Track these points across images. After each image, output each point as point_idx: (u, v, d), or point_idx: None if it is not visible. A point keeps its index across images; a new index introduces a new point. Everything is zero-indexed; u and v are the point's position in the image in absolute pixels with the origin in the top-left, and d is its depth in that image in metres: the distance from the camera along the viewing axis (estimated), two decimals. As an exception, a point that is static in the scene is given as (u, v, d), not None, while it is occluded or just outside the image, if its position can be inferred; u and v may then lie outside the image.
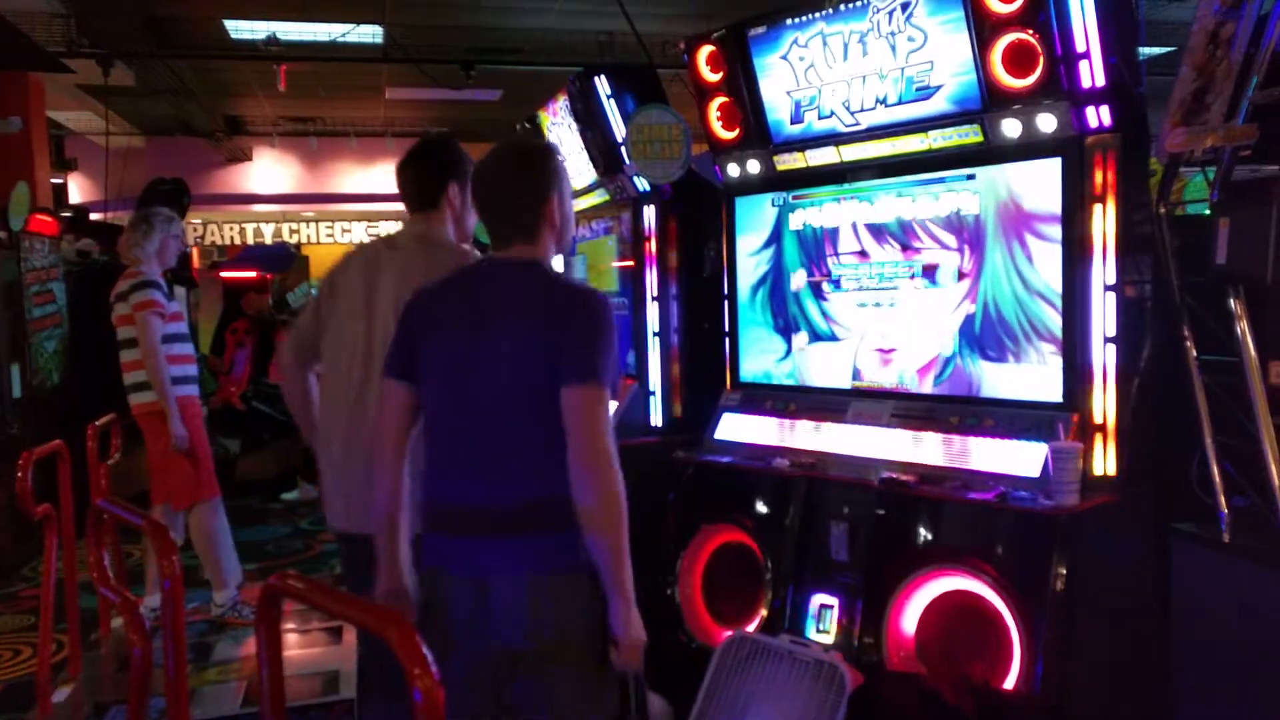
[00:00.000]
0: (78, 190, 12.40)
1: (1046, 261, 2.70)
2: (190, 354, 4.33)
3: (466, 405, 1.88)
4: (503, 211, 1.94)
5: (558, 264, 2.17)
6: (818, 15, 3.06)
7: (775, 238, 3.45)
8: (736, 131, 3.44)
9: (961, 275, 2.91)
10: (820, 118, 3.19)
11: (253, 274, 9.39)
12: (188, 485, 4.20)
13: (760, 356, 3.54)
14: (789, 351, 3.43)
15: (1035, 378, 2.73)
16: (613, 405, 1.87)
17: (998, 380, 2.83)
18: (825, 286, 3.30)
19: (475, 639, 1.86)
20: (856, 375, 3.21)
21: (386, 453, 1.96)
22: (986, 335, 2.85)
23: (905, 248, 3.06)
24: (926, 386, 3.01)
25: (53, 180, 10.12)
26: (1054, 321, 2.68)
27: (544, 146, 2.02)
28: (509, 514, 1.84)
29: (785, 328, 3.44)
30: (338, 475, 2.35)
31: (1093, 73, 2.53)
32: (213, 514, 4.28)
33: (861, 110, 3.06)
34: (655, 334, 3.84)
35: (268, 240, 14.70)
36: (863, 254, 3.18)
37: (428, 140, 2.46)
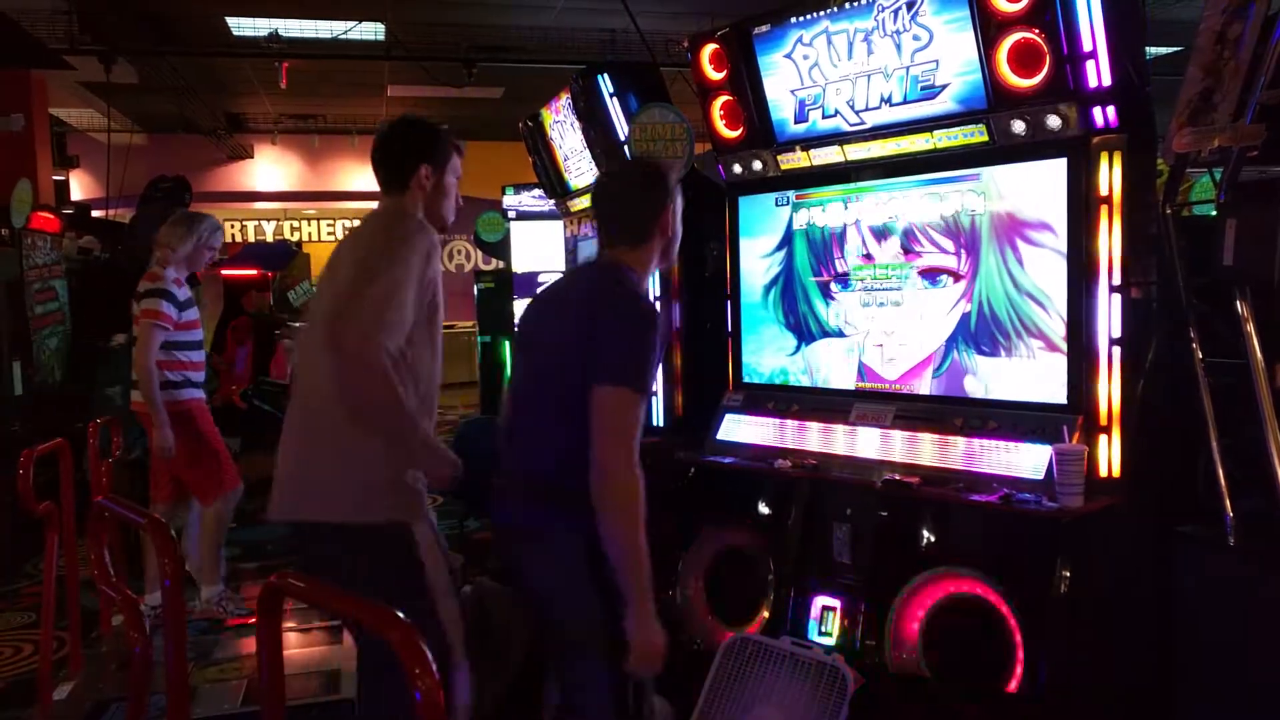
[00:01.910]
0: (79, 187, 12.40)
1: (1051, 262, 2.69)
2: (201, 360, 4.31)
3: (519, 383, 2.16)
4: (615, 218, 2.16)
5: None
6: (822, 13, 3.05)
7: (786, 238, 3.44)
8: (740, 130, 3.43)
9: (965, 275, 2.90)
10: (824, 117, 3.17)
11: (254, 272, 9.39)
12: (213, 482, 4.22)
13: (766, 356, 3.53)
14: (796, 351, 3.42)
15: (1040, 379, 2.72)
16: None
17: (1001, 382, 2.82)
18: (833, 286, 3.29)
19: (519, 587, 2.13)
20: (862, 374, 3.20)
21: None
22: (991, 336, 2.84)
23: (909, 247, 3.05)
24: (930, 387, 3.00)
25: (55, 177, 10.12)
26: (1059, 323, 2.67)
27: (663, 167, 2.28)
28: (531, 485, 2.04)
29: (795, 327, 3.42)
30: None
31: (1099, 72, 2.51)
32: (228, 507, 4.32)
33: (866, 109, 3.05)
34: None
35: (269, 238, 14.69)
36: (868, 255, 3.17)
37: (400, 120, 2.35)
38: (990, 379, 2.85)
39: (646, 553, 1.86)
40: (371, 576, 2.03)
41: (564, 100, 4.30)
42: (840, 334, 3.27)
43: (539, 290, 2.30)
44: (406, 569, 2.07)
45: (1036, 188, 2.72)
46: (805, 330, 3.38)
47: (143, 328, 4.03)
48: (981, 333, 2.86)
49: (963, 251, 2.89)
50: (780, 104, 3.30)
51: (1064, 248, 2.65)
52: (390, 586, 1.99)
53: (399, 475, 2.11)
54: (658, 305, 2.07)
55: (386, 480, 2.09)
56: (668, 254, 2.18)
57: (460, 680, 2.09)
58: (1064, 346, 2.66)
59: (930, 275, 2.99)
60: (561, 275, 2.37)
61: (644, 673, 1.91)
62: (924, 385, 3.02)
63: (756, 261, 3.53)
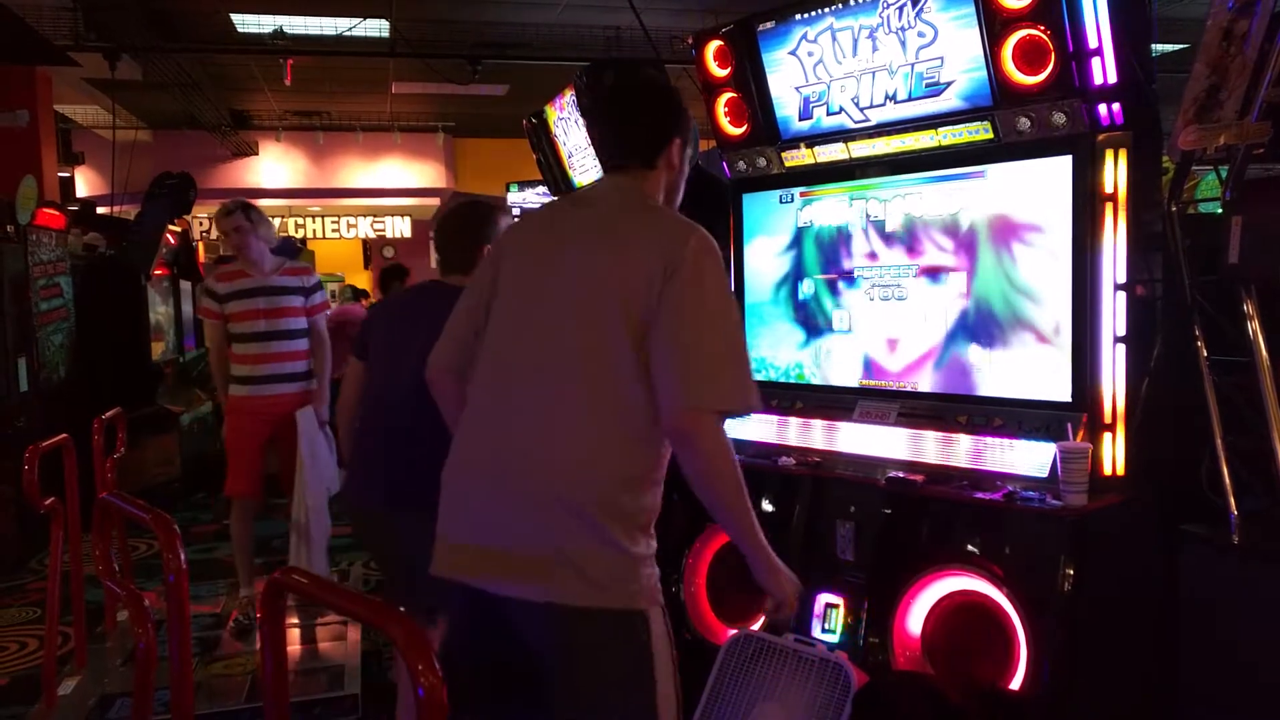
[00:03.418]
0: (84, 184, 12.44)
1: (1055, 260, 2.68)
2: (258, 353, 4.24)
3: None
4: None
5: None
6: (827, 10, 3.04)
7: (790, 235, 3.43)
8: (744, 127, 3.43)
9: (970, 272, 2.89)
10: (829, 114, 3.17)
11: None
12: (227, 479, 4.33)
13: (770, 353, 3.52)
14: (800, 348, 3.42)
15: (1044, 377, 2.72)
16: None
17: (1005, 379, 2.82)
18: (838, 283, 3.28)
19: None
20: (867, 370, 3.20)
21: None
22: (995, 333, 2.83)
23: (913, 245, 3.04)
24: (932, 383, 3.00)
25: (60, 174, 10.15)
26: (1063, 320, 2.66)
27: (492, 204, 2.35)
28: None
29: (799, 323, 3.42)
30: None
31: (1105, 69, 2.50)
32: (236, 512, 4.36)
33: (870, 106, 3.04)
34: (661, 331, 3.82)
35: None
36: (872, 252, 3.17)
37: (642, 83, 1.95)
38: (994, 376, 2.85)
39: None
40: (599, 667, 1.73)
41: (568, 97, 4.31)
42: (845, 331, 3.26)
43: None
44: (638, 660, 1.75)
45: (1041, 185, 2.71)
46: (810, 327, 3.38)
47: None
48: (986, 330, 2.85)
49: (967, 248, 2.89)
50: (784, 101, 3.29)
51: (1068, 245, 2.64)
52: (614, 679, 1.74)
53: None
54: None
55: (638, 557, 1.76)
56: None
57: None
58: (1068, 344, 2.66)
59: (935, 272, 2.98)
60: None
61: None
62: (926, 381, 3.01)
63: (760, 259, 3.53)
